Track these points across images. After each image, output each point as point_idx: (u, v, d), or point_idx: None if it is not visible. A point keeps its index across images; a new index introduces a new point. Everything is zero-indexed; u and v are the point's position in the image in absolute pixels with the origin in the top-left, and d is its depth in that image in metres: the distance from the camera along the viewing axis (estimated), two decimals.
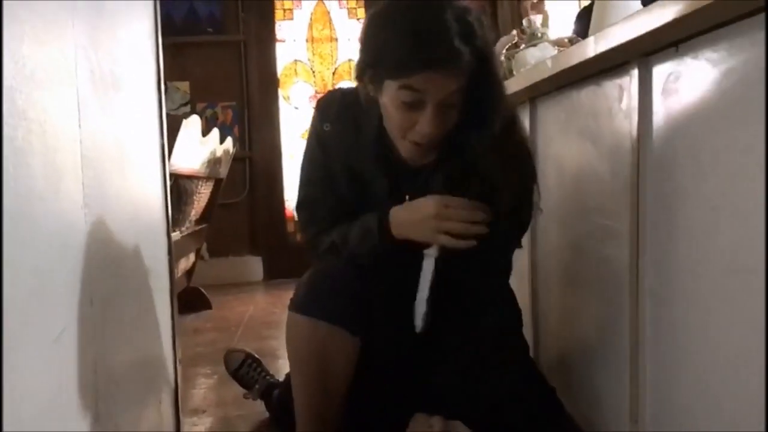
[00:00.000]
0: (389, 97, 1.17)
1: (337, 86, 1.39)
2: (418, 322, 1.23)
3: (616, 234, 1.23)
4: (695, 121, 0.99)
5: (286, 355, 2.45)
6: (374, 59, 1.17)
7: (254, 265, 4.26)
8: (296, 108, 4.39)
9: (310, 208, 1.37)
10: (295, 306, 1.29)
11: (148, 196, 1.44)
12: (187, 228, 2.94)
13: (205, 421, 1.88)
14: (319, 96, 4.37)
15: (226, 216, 4.08)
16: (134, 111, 1.34)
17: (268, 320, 3.19)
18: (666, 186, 1.07)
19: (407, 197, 1.25)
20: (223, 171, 3.31)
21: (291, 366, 1.35)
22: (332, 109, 1.33)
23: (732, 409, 0.94)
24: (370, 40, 1.18)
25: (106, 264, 1.09)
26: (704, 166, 0.97)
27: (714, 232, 0.95)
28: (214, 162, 3.00)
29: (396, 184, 1.29)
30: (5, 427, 0.70)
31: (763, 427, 0.85)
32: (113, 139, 1.17)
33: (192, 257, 3.31)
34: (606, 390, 1.33)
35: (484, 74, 1.15)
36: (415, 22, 1.12)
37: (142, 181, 1.39)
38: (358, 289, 1.23)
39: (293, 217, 4.37)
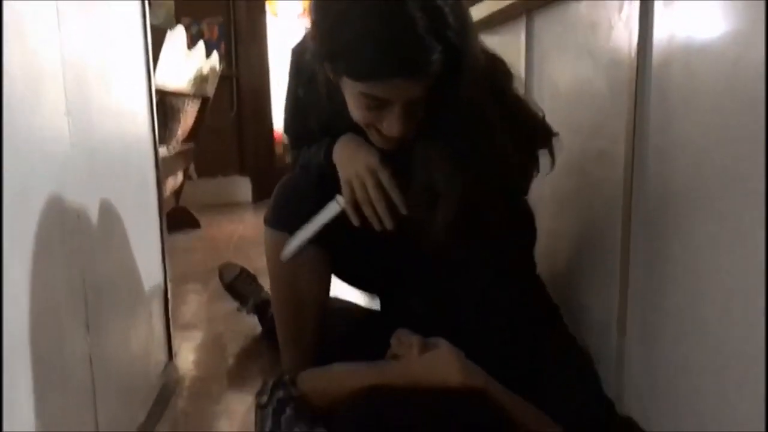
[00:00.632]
0: (350, 94, 1.06)
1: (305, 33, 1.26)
2: (287, 250, 1.24)
3: (612, 156, 1.22)
4: (698, 32, 0.96)
5: None
6: (330, 54, 1.03)
7: (243, 186, 4.25)
8: (284, 24, 4.27)
9: (292, 136, 1.43)
10: (265, 220, 1.33)
11: (134, 110, 1.40)
12: (174, 147, 2.90)
13: (197, 336, 1.90)
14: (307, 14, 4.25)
15: (214, 136, 4.03)
16: (117, 20, 1.29)
17: (257, 240, 3.18)
18: (666, 105, 1.05)
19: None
20: (210, 89, 3.24)
21: (269, 281, 1.39)
22: (305, 74, 1.24)
23: (718, 321, 0.96)
24: (322, 30, 1.02)
25: (91, 177, 1.06)
26: (707, 81, 0.95)
27: (713, 154, 0.94)
28: (200, 80, 2.93)
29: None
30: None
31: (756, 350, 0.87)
32: (95, 47, 1.12)
33: (180, 176, 3.28)
34: (595, 306, 1.35)
35: (457, 70, 1.00)
36: (375, 17, 0.95)
37: (127, 94, 1.35)
38: (319, 200, 1.22)
39: (282, 138, 4.33)
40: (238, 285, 1.94)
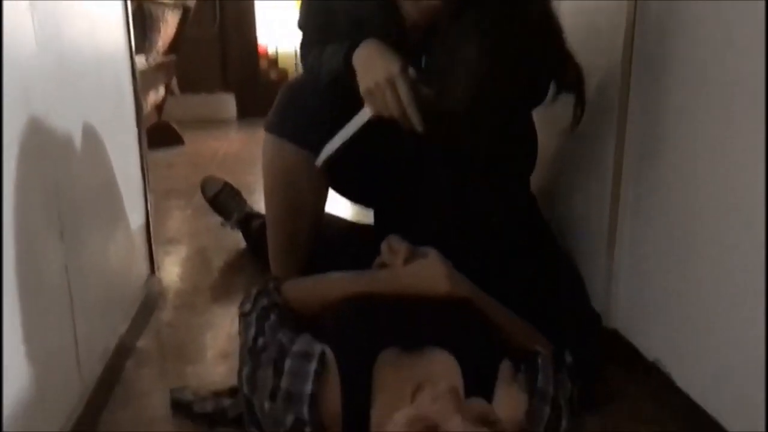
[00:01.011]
0: None
1: None
2: (320, 159, 1.19)
3: (608, 72, 1.19)
4: None
5: (262, 189, 2.47)
6: None
7: (227, 102, 4.15)
8: None
9: (308, 33, 1.32)
10: (266, 125, 1.28)
11: (106, 14, 1.33)
12: (154, 58, 2.80)
13: (180, 250, 1.89)
14: None
15: (197, 50, 3.90)
16: None
17: (242, 156, 3.15)
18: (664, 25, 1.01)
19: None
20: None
21: (264, 186, 1.35)
22: None
23: (705, 233, 0.95)
24: None
25: (62, 81, 1.02)
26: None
27: (708, 74, 0.91)
28: None
29: (399, 36, 1.20)
30: None
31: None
32: None
33: (161, 90, 3.19)
34: (586, 219, 1.34)
35: None
36: None
37: (96, 5, 1.27)
38: (324, 110, 1.18)
39: (266, 52, 4.21)
40: (221, 199, 1.91)
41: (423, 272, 1.05)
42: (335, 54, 1.20)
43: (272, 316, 1.02)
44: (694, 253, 0.99)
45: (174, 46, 3.18)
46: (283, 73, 4.23)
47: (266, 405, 0.87)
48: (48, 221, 0.93)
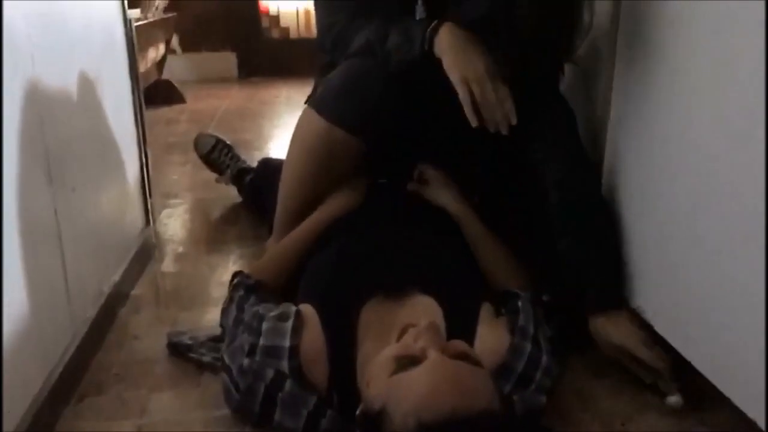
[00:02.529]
0: None
1: None
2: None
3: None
4: None
5: (260, 146, 2.47)
6: None
7: (228, 61, 4.13)
8: None
9: (343, 18, 1.23)
10: (316, 104, 1.19)
11: None
12: (153, 14, 2.79)
13: (177, 203, 1.90)
14: None
15: (198, 8, 3.87)
16: None
17: (243, 114, 3.16)
18: None
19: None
20: None
21: (290, 157, 1.28)
22: None
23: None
24: None
25: (47, 26, 1.02)
26: None
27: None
28: None
29: None
30: None
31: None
32: None
33: (162, 48, 3.18)
34: None
35: None
36: None
37: None
38: (389, 103, 1.13)
39: (267, 11, 4.17)
40: (214, 156, 1.92)
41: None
42: (408, 39, 1.12)
43: (251, 298, 1.04)
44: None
45: (174, 3, 3.16)
46: (285, 32, 4.19)
47: (245, 362, 0.89)
48: (35, 164, 0.94)
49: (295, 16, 4.18)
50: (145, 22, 2.54)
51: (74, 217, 1.07)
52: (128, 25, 1.50)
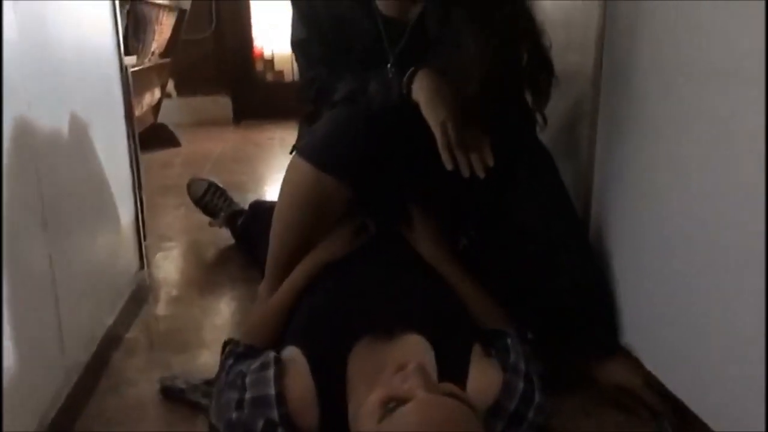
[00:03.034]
0: None
1: None
2: None
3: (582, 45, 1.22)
4: None
5: (254, 189, 2.49)
6: None
7: (223, 105, 4.18)
8: None
9: (304, 48, 1.31)
10: (304, 152, 1.20)
11: (95, 13, 1.36)
12: (149, 60, 2.84)
13: (171, 246, 1.91)
14: None
15: (193, 53, 3.93)
16: None
17: (237, 156, 3.19)
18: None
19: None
20: (185, 1, 3.15)
21: (280, 205, 1.28)
22: None
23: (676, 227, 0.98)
24: None
25: (44, 75, 1.05)
26: None
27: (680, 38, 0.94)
28: None
29: (379, 33, 1.23)
30: None
31: None
32: None
33: (157, 92, 3.22)
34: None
35: None
36: None
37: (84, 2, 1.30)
38: (370, 150, 1.15)
39: (262, 55, 4.24)
40: (207, 199, 1.94)
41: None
42: (386, 86, 1.18)
43: (240, 361, 1.02)
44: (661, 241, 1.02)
45: (169, 49, 3.21)
46: (279, 75, 4.26)
47: (233, 416, 0.88)
48: (30, 211, 0.96)
49: (290, 59, 4.24)
50: (140, 67, 2.58)
51: (68, 261, 1.08)
52: (124, 72, 1.53)
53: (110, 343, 1.27)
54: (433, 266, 1.16)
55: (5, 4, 0.90)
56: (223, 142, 3.56)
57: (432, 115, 1.10)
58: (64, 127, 1.14)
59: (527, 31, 1.17)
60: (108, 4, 1.44)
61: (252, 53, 4.21)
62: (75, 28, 1.22)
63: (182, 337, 1.37)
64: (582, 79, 1.25)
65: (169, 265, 1.78)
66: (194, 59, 3.95)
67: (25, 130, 0.95)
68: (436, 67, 1.15)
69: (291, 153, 1.28)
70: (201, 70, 4.06)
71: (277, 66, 4.25)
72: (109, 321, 1.29)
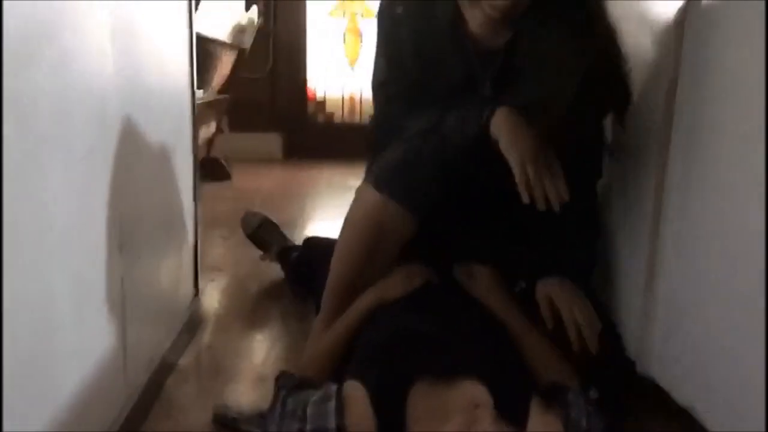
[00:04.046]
0: None
1: None
2: None
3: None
4: None
5: (302, 225, 2.52)
6: None
7: (273, 142, 4.27)
8: None
9: (386, 89, 1.33)
10: (372, 179, 1.23)
11: (174, 50, 1.42)
12: (208, 95, 2.92)
13: (221, 277, 1.94)
14: None
15: (248, 90, 4.03)
16: None
17: (286, 193, 3.24)
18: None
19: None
20: (247, 41, 3.26)
21: (344, 233, 1.31)
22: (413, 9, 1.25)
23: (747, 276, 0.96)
24: None
25: (133, 105, 1.09)
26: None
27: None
28: (238, 30, 2.94)
29: (468, 65, 1.25)
30: None
31: None
32: None
33: (213, 126, 3.31)
34: (624, 257, 1.36)
35: None
36: None
37: (168, 32, 1.37)
38: (440, 183, 1.18)
39: (314, 96, 4.33)
40: (260, 233, 1.97)
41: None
42: (465, 121, 1.19)
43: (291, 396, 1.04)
44: (737, 297, 1.00)
45: (227, 86, 3.31)
46: (330, 117, 4.34)
47: None
48: (110, 233, 0.99)
49: (341, 102, 4.34)
50: (201, 101, 2.66)
51: (137, 285, 1.11)
52: (194, 106, 1.59)
53: (165, 368, 1.29)
54: (494, 313, 1.16)
55: (105, 40, 0.95)
56: (272, 178, 3.62)
57: (512, 151, 1.13)
58: (146, 154, 1.18)
59: (614, 57, 1.18)
60: (186, 42, 1.50)
61: (305, 94, 4.31)
62: (159, 62, 1.28)
63: (233, 368, 1.38)
64: (649, 138, 1.24)
65: (219, 295, 1.81)
66: (249, 96, 4.05)
67: (114, 154, 0.99)
68: (523, 96, 1.18)
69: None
70: (254, 108, 4.16)
71: (328, 108, 4.34)
72: (166, 346, 1.31)
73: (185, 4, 1.48)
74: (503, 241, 1.27)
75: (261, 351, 1.47)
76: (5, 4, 0.67)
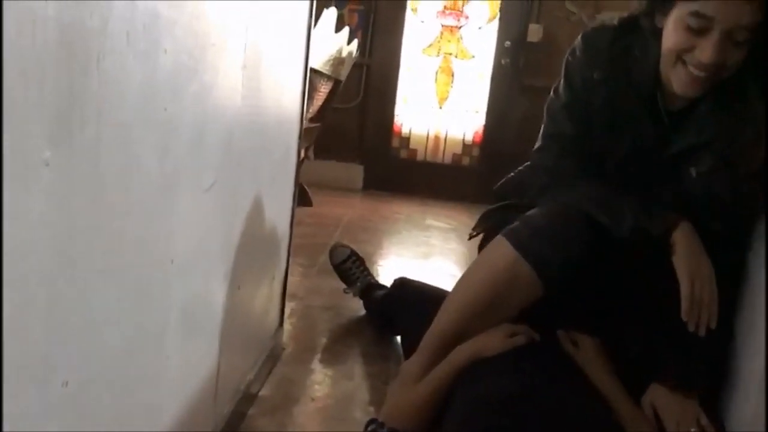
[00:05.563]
0: (674, 20, 1.11)
1: (599, 21, 1.30)
2: None
3: None
4: None
5: (378, 260, 2.51)
6: None
7: (355, 173, 4.31)
8: (422, 21, 4.29)
9: (564, 143, 1.29)
10: (512, 236, 1.20)
11: (291, 81, 1.44)
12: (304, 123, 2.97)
13: (301, 306, 1.94)
14: (449, 13, 4.26)
15: (336, 120, 4.10)
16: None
17: (365, 225, 3.25)
18: None
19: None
20: (344, 73, 3.30)
21: (467, 282, 1.27)
22: (603, 54, 1.23)
23: None
24: None
25: (255, 134, 1.11)
26: None
27: None
28: (337, 62, 2.99)
29: (660, 131, 1.22)
30: None
31: None
32: (270, 14, 1.17)
33: (302, 154, 3.36)
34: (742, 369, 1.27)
35: None
36: None
37: (288, 65, 1.39)
38: (582, 258, 1.15)
39: (400, 132, 4.36)
40: (347, 267, 1.97)
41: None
42: (648, 212, 1.16)
43: None
44: None
45: (320, 115, 3.36)
46: (413, 153, 4.36)
47: None
48: (220, 264, 1.00)
49: (425, 139, 4.35)
50: None
51: (235, 315, 1.12)
52: (301, 133, 1.61)
53: (247, 398, 1.29)
54: (595, 384, 1.11)
55: (236, 75, 0.97)
56: (352, 208, 3.64)
57: (685, 266, 1.12)
58: (257, 183, 1.19)
59: None
60: (301, 76, 1.53)
61: (391, 129, 4.34)
62: (278, 96, 1.30)
63: (315, 405, 1.36)
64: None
65: (299, 325, 1.81)
66: (336, 126, 4.11)
67: (233, 185, 1.01)
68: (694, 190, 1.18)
69: (469, 239, 1.28)
70: (341, 137, 4.22)
71: (412, 144, 4.36)
72: (251, 375, 1.30)
73: (304, 40, 1.51)
74: (617, 320, 1.22)
75: (342, 391, 1.45)
76: (162, 40, 0.69)
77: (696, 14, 1.06)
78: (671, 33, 1.12)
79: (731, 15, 1.05)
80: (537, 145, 1.34)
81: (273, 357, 1.50)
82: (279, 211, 1.46)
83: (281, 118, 1.36)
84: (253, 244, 1.22)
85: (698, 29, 1.07)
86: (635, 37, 1.20)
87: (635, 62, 1.20)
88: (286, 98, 1.40)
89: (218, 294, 1.01)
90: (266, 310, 1.45)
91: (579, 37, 1.28)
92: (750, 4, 1.04)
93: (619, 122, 1.23)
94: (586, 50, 1.25)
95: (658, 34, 1.15)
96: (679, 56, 1.11)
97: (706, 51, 1.07)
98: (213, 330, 1.02)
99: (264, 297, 1.40)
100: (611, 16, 1.27)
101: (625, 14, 1.24)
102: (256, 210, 1.22)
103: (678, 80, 1.14)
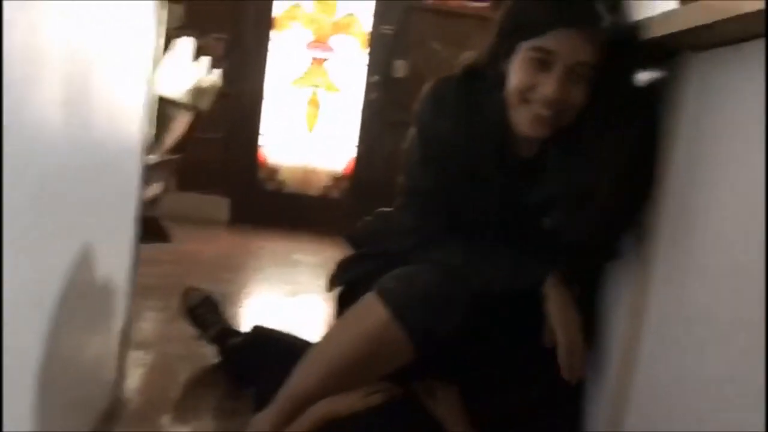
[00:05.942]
0: (518, 60, 1.13)
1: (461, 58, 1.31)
2: None
3: None
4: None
5: (238, 302, 2.40)
6: (510, 25, 1.16)
7: (220, 206, 4.15)
8: (292, 53, 4.25)
9: (425, 197, 1.28)
10: (387, 295, 1.17)
11: (131, 112, 1.34)
12: (160, 156, 2.82)
13: (149, 357, 1.79)
14: (316, 45, 4.25)
15: (200, 151, 3.93)
16: (130, 17, 1.23)
17: (228, 263, 3.11)
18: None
19: None
20: (206, 103, 3.18)
21: (334, 340, 1.22)
22: (451, 104, 1.23)
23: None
24: (510, 10, 1.17)
25: (80, 171, 1.00)
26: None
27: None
28: (198, 92, 2.87)
29: (512, 180, 1.23)
30: None
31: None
32: (103, 40, 1.06)
33: (158, 187, 3.18)
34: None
35: (623, 60, 1.10)
36: None
37: (127, 94, 1.28)
38: (458, 328, 1.15)
39: (265, 163, 4.26)
40: (200, 312, 1.84)
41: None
42: (518, 268, 1.19)
43: None
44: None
45: (180, 147, 3.21)
46: (280, 185, 4.27)
47: None
48: (33, 305, 0.87)
49: (294, 171, 4.28)
50: (150, 162, 2.55)
51: (59, 366, 0.98)
52: (143, 170, 1.49)
53: None
54: None
55: (53, 113, 0.86)
56: (216, 244, 3.49)
57: (559, 317, 1.17)
58: (86, 223, 1.07)
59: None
60: (142, 105, 1.42)
61: (256, 160, 4.23)
62: (112, 129, 1.19)
63: None
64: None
65: (144, 378, 1.66)
66: (200, 157, 3.95)
67: (44, 226, 0.89)
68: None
69: (328, 290, 1.24)
70: (205, 169, 4.06)
71: (280, 176, 4.27)
72: None
73: (147, 71, 1.40)
74: (473, 365, 1.21)
75: None
76: None
77: (539, 49, 1.09)
78: (515, 73, 1.14)
79: (572, 50, 1.08)
80: (398, 200, 1.33)
81: (110, 416, 1.35)
82: (116, 252, 1.33)
83: (118, 152, 1.25)
84: (76, 294, 1.09)
85: (541, 64, 1.09)
86: (481, 85, 1.21)
87: (482, 110, 1.21)
88: (123, 131, 1.29)
89: (36, 336, 0.88)
90: (100, 363, 1.30)
91: (424, 89, 1.28)
92: (588, 40, 1.08)
93: (473, 173, 1.23)
94: (433, 102, 1.25)
95: (502, 81, 1.16)
96: (523, 95, 1.13)
97: (549, 86, 1.09)
98: (24, 394, 0.88)
99: (96, 349, 1.26)
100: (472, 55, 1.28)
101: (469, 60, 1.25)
102: (82, 256, 1.10)
103: (524, 120, 1.15)
